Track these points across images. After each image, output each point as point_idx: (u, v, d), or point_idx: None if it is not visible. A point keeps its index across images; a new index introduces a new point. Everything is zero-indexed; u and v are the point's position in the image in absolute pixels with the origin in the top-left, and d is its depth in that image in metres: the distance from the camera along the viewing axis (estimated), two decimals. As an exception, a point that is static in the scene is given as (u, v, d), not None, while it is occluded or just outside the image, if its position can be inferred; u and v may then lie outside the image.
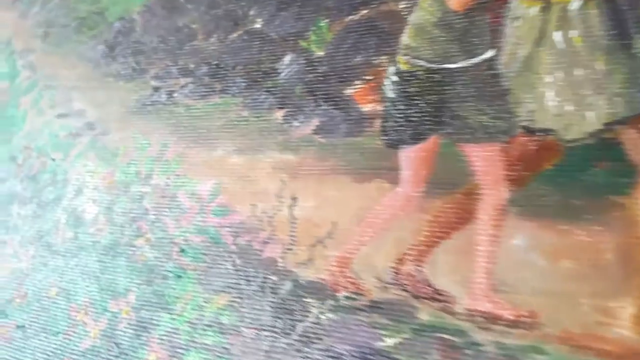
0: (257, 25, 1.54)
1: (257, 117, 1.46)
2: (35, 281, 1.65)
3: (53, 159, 1.78)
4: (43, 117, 1.87)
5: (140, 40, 1.75)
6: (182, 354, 1.35)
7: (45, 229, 1.70)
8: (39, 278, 1.65)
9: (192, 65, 1.62)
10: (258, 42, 1.52)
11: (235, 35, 1.57)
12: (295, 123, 1.40)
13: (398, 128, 1.25)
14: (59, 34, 1.97)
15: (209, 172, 1.47)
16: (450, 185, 1.16)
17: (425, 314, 1.12)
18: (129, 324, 1.44)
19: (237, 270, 1.34)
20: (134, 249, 1.51)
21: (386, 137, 1.26)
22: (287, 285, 1.26)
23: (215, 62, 1.57)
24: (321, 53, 1.42)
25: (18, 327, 1.62)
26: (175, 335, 1.37)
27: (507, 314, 1.06)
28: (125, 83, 1.72)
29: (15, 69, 2.03)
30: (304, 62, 1.43)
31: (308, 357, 1.20)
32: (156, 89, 1.65)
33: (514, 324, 1.05)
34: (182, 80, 1.62)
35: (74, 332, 1.52)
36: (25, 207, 1.77)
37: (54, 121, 1.84)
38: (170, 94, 1.63)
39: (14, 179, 1.84)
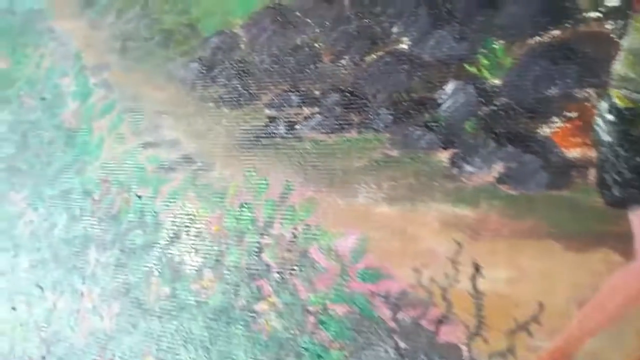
0: (403, 46, 1.27)
1: (412, 158, 1.19)
2: (123, 346, 1.37)
3: (138, 197, 1.51)
4: (124, 146, 1.60)
5: (247, 60, 1.48)
6: None
7: (133, 281, 1.42)
8: (127, 343, 1.37)
9: (317, 92, 1.35)
10: (406, 66, 1.25)
11: (374, 57, 1.30)
12: (468, 168, 1.12)
13: (623, 182, 0.97)
14: (140, 48, 1.71)
15: (350, 223, 1.20)
16: None
17: None
18: (255, 414, 1.16)
19: (402, 356, 1.06)
20: (253, 315, 1.23)
21: (607, 193, 0.98)
22: (480, 383, 0.98)
23: (350, 89, 1.31)
24: (497, 81, 1.15)
25: (105, 405, 1.34)
26: None
27: None
28: (231, 110, 1.46)
29: (87, 87, 1.77)
30: (474, 91, 1.16)
31: None
32: (272, 119, 1.39)
33: None
34: (307, 110, 1.35)
35: (179, 417, 1.24)
36: (105, 252, 1.50)
37: (138, 151, 1.57)
38: (290, 125, 1.36)
39: (90, 217, 1.57)
